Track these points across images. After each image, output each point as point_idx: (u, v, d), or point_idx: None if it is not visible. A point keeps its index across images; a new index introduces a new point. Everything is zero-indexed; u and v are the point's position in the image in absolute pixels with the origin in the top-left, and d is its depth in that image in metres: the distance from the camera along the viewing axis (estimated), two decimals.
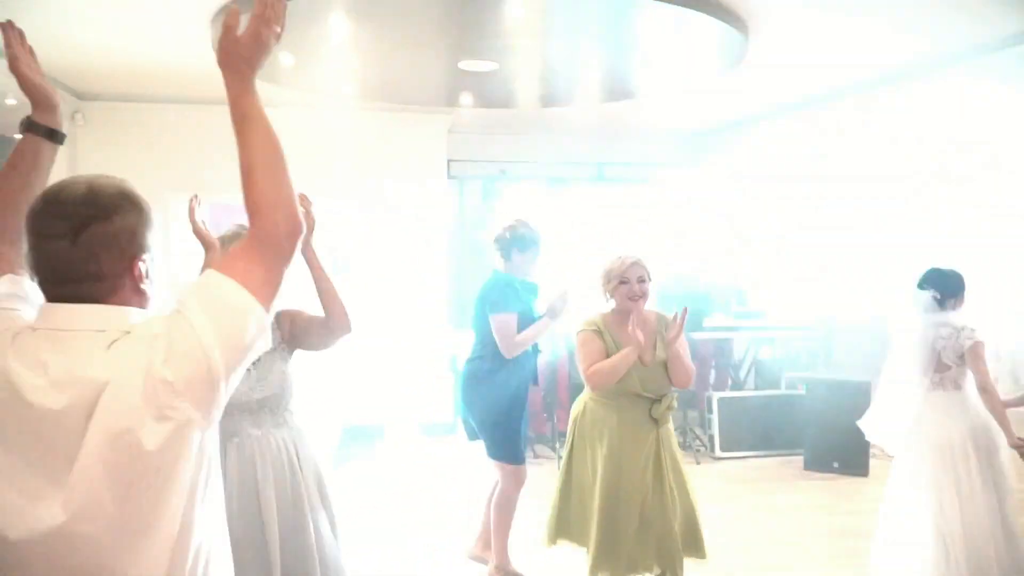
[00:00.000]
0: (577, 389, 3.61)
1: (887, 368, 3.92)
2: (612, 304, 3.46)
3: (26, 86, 1.63)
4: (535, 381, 4.24)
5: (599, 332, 3.41)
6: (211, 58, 4.80)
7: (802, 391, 6.69)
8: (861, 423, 4.03)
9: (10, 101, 6.31)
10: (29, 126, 1.62)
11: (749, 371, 7.76)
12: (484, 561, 4.28)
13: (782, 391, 7.11)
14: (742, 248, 8.57)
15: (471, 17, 4.43)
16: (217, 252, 2.63)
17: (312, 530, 2.63)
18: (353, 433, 7.01)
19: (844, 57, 5.48)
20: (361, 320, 7.20)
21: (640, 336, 3.22)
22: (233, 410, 2.32)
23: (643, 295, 3.39)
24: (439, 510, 5.34)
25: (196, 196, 2.71)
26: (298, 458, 2.72)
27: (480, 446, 4.14)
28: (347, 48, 5.00)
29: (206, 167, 6.76)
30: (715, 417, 6.67)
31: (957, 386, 3.65)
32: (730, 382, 7.72)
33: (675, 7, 4.16)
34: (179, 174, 6.84)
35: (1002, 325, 4.79)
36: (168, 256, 5.87)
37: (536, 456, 6.57)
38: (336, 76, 5.75)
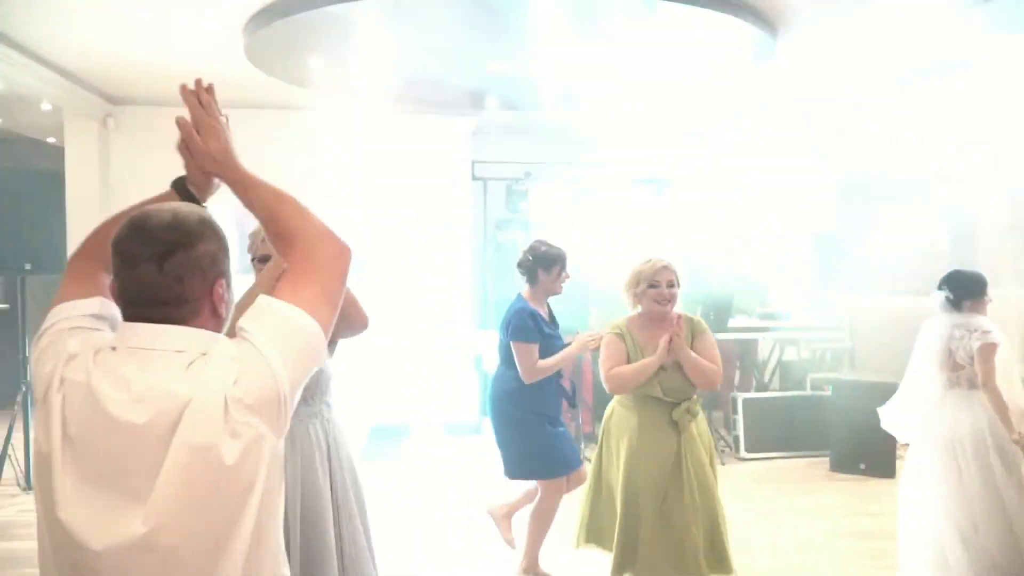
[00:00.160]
0: (602, 390, 3.64)
1: (910, 363, 4.04)
2: (638, 308, 3.47)
3: (193, 171, 1.66)
4: (572, 403, 4.27)
5: (621, 335, 3.44)
6: (241, 63, 4.90)
7: (828, 392, 6.67)
8: (881, 410, 4.16)
9: (45, 107, 6.46)
10: (180, 188, 1.64)
11: (774, 372, 7.76)
12: (496, 524, 4.31)
13: (807, 392, 7.10)
14: (764, 248, 8.58)
15: (500, 21, 4.48)
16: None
17: (333, 522, 2.69)
18: (380, 432, 7.10)
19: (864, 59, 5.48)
20: (387, 321, 7.30)
21: (666, 343, 3.24)
22: None
23: (672, 299, 3.41)
24: (462, 509, 5.38)
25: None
26: (332, 450, 2.77)
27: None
28: (376, 53, 5.06)
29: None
30: (740, 418, 6.68)
31: (972, 385, 3.74)
32: (754, 383, 7.72)
33: (704, 9, 4.19)
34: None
35: None
36: None
37: None
38: (364, 80, 5.81)
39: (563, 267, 4.07)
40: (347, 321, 2.75)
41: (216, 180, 1.65)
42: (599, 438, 3.59)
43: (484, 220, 8.50)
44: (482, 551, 4.57)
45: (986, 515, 3.63)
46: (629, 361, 3.39)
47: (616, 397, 3.52)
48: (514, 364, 4.01)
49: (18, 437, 5.68)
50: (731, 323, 7.10)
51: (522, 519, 4.27)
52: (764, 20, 4.53)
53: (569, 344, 4.03)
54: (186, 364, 1.37)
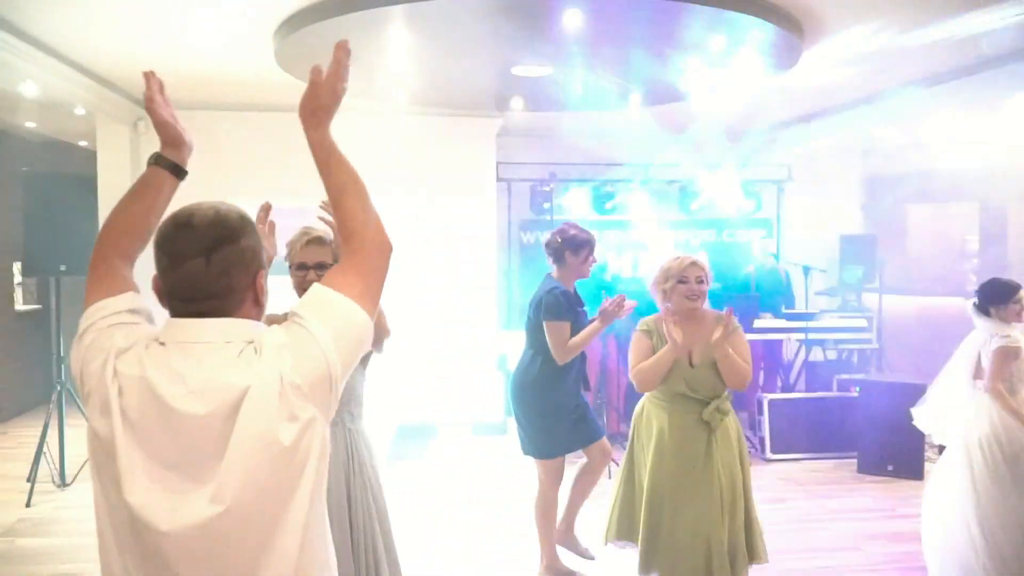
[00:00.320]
0: (632, 390, 3.66)
1: (947, 364, 4.13)
2: (667, 305, 3.48)
3: (159, 125, 1.73)
4: (587, 387, 4.31)
5: (649, 332, 3.47)
6: (271, 67, 4.95)
7: (855, 393, 6.64)
8: (914, 410, 4.24)
9: (79, 111, 6.57)
10: (157, 160, 1.71)
11: (800, 373, 7.72)
12: (569, 546, 4.32)
13: (834, 393, 7.06)
14: (788, 248, 8.55)
15: (526, 24, 4.50)
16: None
17: (351, 532, 2.72)
18: (407, 431, 7.15)
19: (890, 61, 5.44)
20: (413, 321, 7.36)
21: (677, 335, 3.25)
22: None
23: (701, 295, 3.42)
24: (488, 509, 5.41)
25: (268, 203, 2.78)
26: (354, 462, 2.80)
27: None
28: (403, 57, 5.10)
29: (266, 173, 6.99)
30: (765, 419, 6.66)
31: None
32: (780, 384, 7.69)
33: (730, 12, 4.18)
34: (240, 180, 7.04)
35: None
36: None
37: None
38: (391, 83, 5.86)
39: (591, 251, 4.11)
40: (376, 331, 2.79)
41: (189, 142, 1.74)
42: (630, 435, 3.61)
43: (508, 221, 8.53)
44: (505, 552, 4.59)
45: (998, 518, 3.69)
46: None
47: (647, 395, 3.53)
48: (540, 346, 4.05)
49: (52, 435, 5.79)
50: (756, 323, 7.08)
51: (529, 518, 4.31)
52: (790, 21, 4.52)
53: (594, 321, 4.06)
54: (236, 354, 1.45)
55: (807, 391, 7.52)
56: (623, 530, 3.55)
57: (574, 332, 4.00)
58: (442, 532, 5.03)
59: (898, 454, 6.07)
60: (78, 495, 5.67)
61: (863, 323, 7.54)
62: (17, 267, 8.12)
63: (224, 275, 1.48)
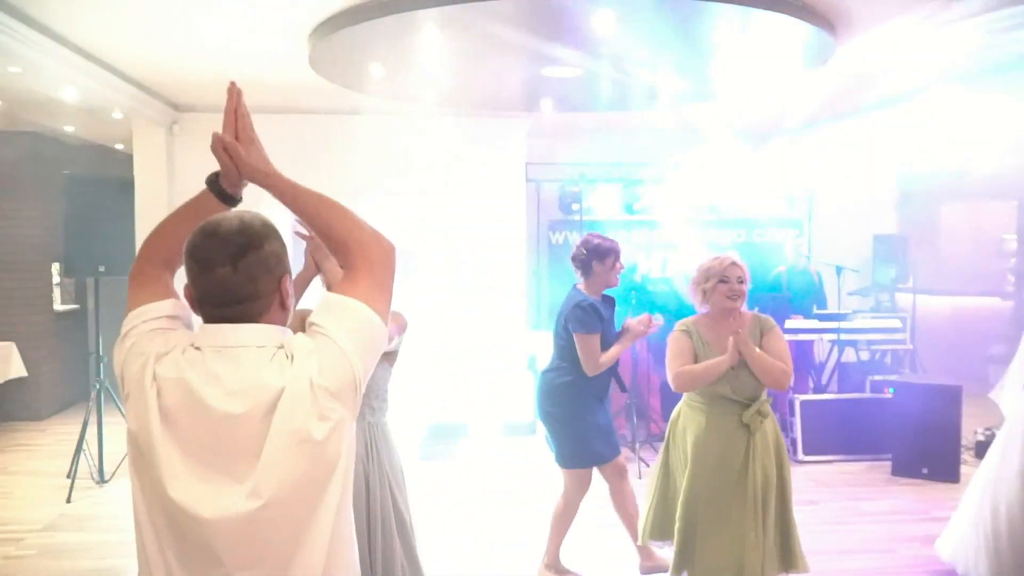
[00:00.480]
0: (667, 392, 3.66)
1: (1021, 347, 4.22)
2: (704, 307, 3.47)
3: (251, 173, 1.75)
4: (623, 388, 4.32)
5: (688, 333, 3.44)
6: (305, 70, 5.01)
7: (888, 395, 6.57)
8: (992, 395, 4.39)
9: (116, 115, 6.69)
10: (213, 184, 1.76)
11: (832, 374, 7.65)
12: (659, 569, 4.31)
13: (867, 394, 6.99)
14: (820, 248, 8.47)
15: (556, 25, 4.51)
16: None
17: (368, 529, 2.74)
18: (437, 431, 7.20)
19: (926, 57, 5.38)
20: (442, 321, 7.38)
21: (735, 344, 3.21)
22: None
23: (742, 295, 3.39)
24: (515, 508, 5.43)
25: None
26: (372, 455, 2.82)
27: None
28: (434, 59, 5.13)
29: (298, 175, 7.06)
30: (797, 420, 6.61)
31: None
32: (812, 385, 7.63)
33: (761, 10, 4.17)
34: None
35: None
36: None
37: None
38: (422, 85, 5.90)
39: (617, 258, 4.10)
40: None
41: (242, 179, 1.77)
42: (665, 438, 3.60)
43: (537, 221, 8.54)
44: (533, 552, 4.61)
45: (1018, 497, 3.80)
46: (696, 359, 3.38)
47: (684, 397, 3.51)
48: (567, 356, 4.07)
49: (92, 432, 5.90)
50: (787, 324, 7.02)
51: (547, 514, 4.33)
52: (822, 19, 4.49)
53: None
54: (269, 357, 1.53)
55: (839, 392, 7.45)
56: (657, 529, 3.55)
57: (603, 341, 4.02)
58: (469, 530, 5.05)
59: (933, 456, 6.00)
60: (117, 491, 5.78)
61: (896, 324, 7.46)
62: (56, 268, 8.29)
63: (251, 281, 1.56)
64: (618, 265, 4.12)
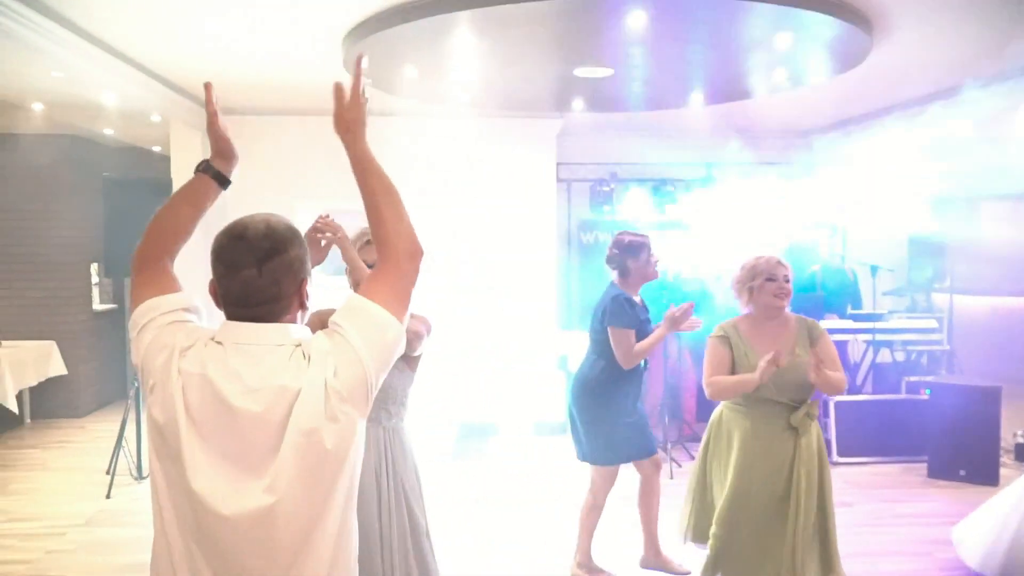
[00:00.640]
0: (701, 394, 3.63)
1: None
2: (749, 307, 3.41)
3: (218, 138, 1.85)
4: (643, 365, 4.31)
5: (725, 339, 3.37)
6: (340, 73, 5.06)
7: (925, 396, 6.48)
8: None
9: (155, 118, 6.81)
10: (206, 168, 1.84)
11: (867, 375, 7.56)
12: (664, 568, 4.35)
13: (903, 396, 6.90)
14: (855, 247, 8.37)
15: (589, 26, 4.51)
16: (351, 249, 2.80)
17: (380, 532, 2.76)
18: (468, 430, 7.23)
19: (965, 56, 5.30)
20: (474, 321, 7.39)
21: (771, 362, 3.09)
22: None
23: (789, 295, 3.33)
24: (547, 508, 5.44)
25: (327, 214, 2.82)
26: (386, 458, 2.83)
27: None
28: (467, 60, 5.16)
29: (331, 177, 7.12)
30: (831, 421, 6.54)
31: None
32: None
33: (797, 9, 4.14)
34: (305, 183, 7.22)
35: None
36: None
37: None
38: (455, 86, 5.93)
39: (649, 251, 4.11)
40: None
41: (237, 155, 1.87)
42: (704, 441, 3.56)
43: (568, 221, 8.55)
44: (558, 552, 4.61)
45: None
46: (733, 364, 3.33)
47: (725, 401, 3.46)
48: (603, 352, 4.07)
49: (131, 429, 6.01)
50: (821, 324, 6.94)
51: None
52: (859, 17, 4.44)
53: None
54: (287, 357, 1.60)
55: (874, 393, 7.36)
56: (699, 532, 3.51)
57: (638, 340, 4.01)
58: (499, 530, 5.07)
59: (971, 458, 5.91)
60: None
61: (933, 324, 7.35)
62: (95, 268, 8.45)
63: (274, 284, 1.63)
64: (652, 258, 4.12)
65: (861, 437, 6.55)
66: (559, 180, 8.13)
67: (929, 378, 6.79)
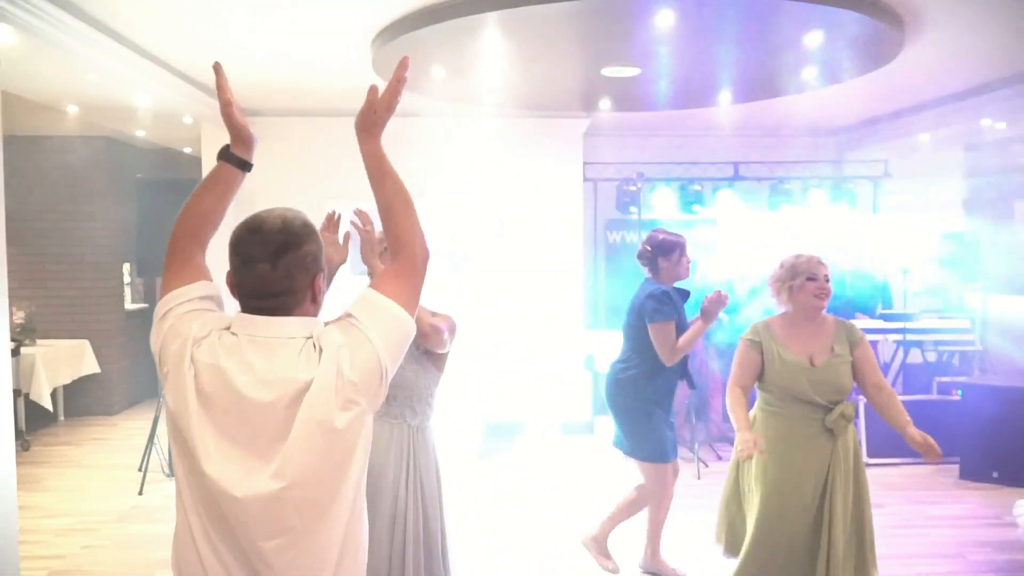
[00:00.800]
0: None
1: None
2: (787, 307, 3.37)
3: (235, 125, 1.87)
4: (692, 386, 4.30)
5: (756, 343, 3.33)
6: (367, 74, 5.07)
7: (956, 397, 6.40)
8: None
9: (187, 120, 6.89)
10: (227, 156, 1.87)
11: (897, 376, 7.48)
12: (660, 571, 4.35)
13: (934, 396, 6.82)
14: (887, 245, 8.27)
15: (617, 25, 4.51)
16: (375, 245, 2.82)
17: (394, 528, 2.76)
18: (495, 429, 7.24)
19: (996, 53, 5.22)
20: (501, 321, 7.40)
21: (747, 451, 3.10)
22: None
23: (829, 294, 3.29)
24: (574, 507, 5.44)
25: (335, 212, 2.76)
26: (409, 457, 2.83)
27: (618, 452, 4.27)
28: (495, 61, 5.17)
29: (359, 177, 7.19)
30: (861, 422, 6.48)
31: None
32: None
33: (827, 6, 4.10)
34: (334, 183, 7.26)
35: None
36: None
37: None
38: (482, 87, 5.94)
39: (683, 252, 4.09)
40: (421, 333, 2.78)
41: (254, 138, 1.88)
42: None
43: (595, 221, 8.53)
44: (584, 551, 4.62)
45: None
46: (762, 370, 3.30)
47: (758, 401, 3.41)
48: (638, 349, 4.04)
49: (162, 427, 6.08)
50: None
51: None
52: (890, 15, 4.40)
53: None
54: (299, 349, 1.64)
55: (905, 394, 7.28)
56: (732, 547, 3.47)
57: (677, 330, 3.99)
58: (525, 528, 5.08)
59: (1004, 460, 5.84)
60: None
61: (965, 324, 7.25)
62: (127, 268, 8.58)
63: (288, 277, 1.67)
64: (684, 259, 4.10)
65: (892, 438, 6.40)
66: (586, 180, 8.12)
67: (961, 379, 6.71)
